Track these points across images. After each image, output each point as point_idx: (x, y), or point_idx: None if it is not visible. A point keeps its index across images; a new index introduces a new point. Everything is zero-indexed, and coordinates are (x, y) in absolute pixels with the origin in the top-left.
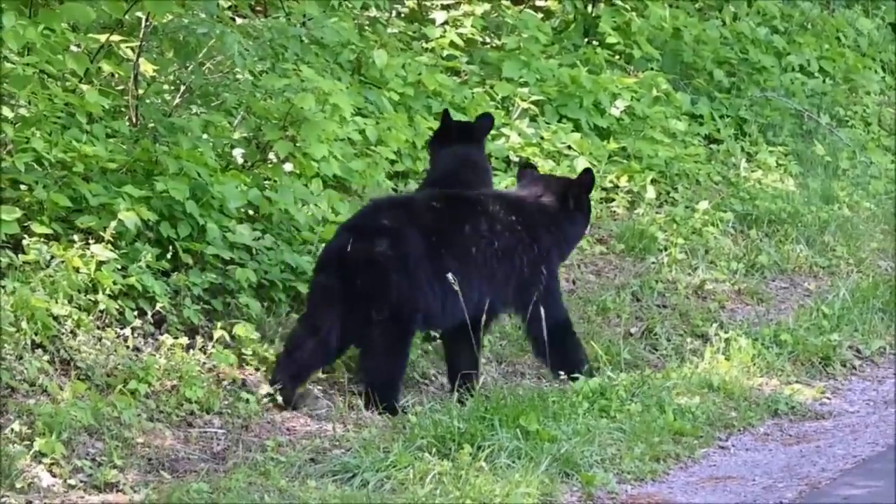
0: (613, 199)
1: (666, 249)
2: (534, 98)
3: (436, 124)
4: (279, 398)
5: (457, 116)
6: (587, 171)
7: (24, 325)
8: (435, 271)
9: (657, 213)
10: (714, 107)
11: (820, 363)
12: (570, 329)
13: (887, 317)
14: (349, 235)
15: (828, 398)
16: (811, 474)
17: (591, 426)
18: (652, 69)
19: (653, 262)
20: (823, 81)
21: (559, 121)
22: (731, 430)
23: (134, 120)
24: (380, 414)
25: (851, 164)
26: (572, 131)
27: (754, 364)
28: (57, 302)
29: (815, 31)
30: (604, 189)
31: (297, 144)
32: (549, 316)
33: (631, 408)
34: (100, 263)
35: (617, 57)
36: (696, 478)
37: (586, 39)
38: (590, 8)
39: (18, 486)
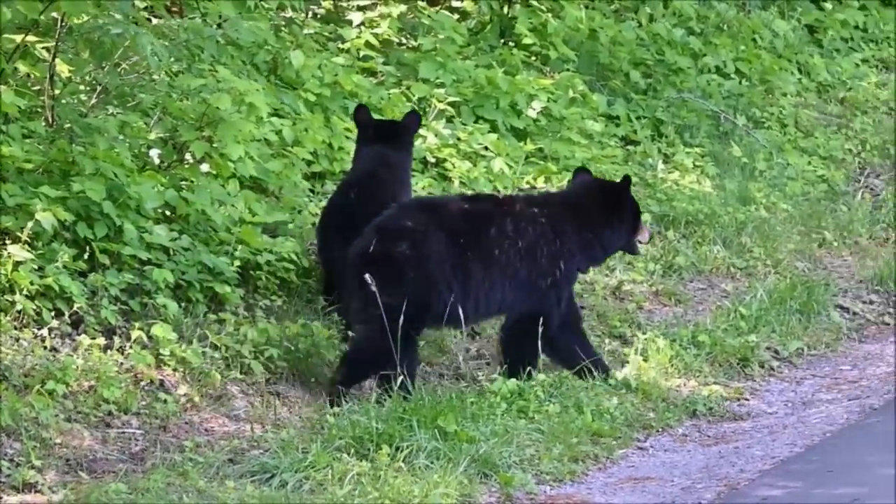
0: None
1: None
2: (450, 99)
3: (351, 124)
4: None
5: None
6: (625, 178)
7: None
8: (457, 274)
9: None
10: (630, 108)
11: (738, 364)
12: (535, 336)
13: (804, 318)
14: (374, 236)
15: (746, 399)
16: (730, 475)
17: (509, 427)
18: (568, 70)
19: None
20: (740, 83)
21: (476, 122)
22: (650, 431)
23: (50, 120)
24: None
25: (768, 165)
26: (489, 132)
27: (672, 365)
28: None
29: (732, 33)
30: (520, 190)
31: (214, 145)
32: (540, 308)
33: (549, 408)
34: (16, 264)
35: (533, 58)
36: (614, 479)
37: (502, 40)
38: (506, 9)
39: None
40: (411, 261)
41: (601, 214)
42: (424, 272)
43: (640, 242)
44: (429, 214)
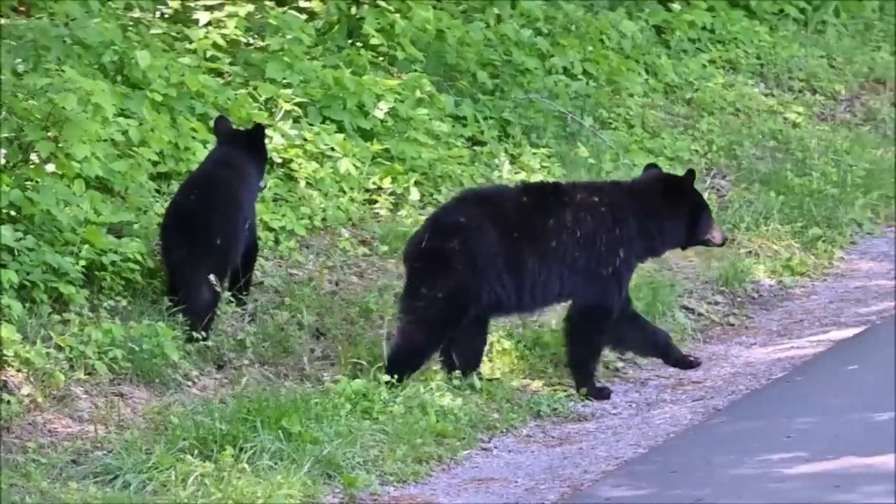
0: (376, 201)
1: None
2: (297, 100)
3: (197, 125)
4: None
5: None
6: (689, 171)
7: None
8: (508, 266)
9: (421, 214)
10: (478, 108)
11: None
12: (606, 318)
13: (650, 318)
14: (428, 231)
15: (590, 401)
16: (573, 476)
17: (353, 428)
18: (416, 71)
19: None
20: (587, 83)
21: (323, 122)
22: (494, 432)
23: None
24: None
25: (615, 165)
26: (336, 133)
27: (517, 366)
28: None
29: (579, 34)
30: (367, 191)
31: (60, 145)
32: (603, 298)
33: (393, 409)
34: None
35: (381, 58)
36: (458, 479)
37: (350, 41)
38: (353, 10)
39: None
40: (460, 256)
41: (661, 205)
42: (472, 267)
43: (713, 242)
44: (483, 208)
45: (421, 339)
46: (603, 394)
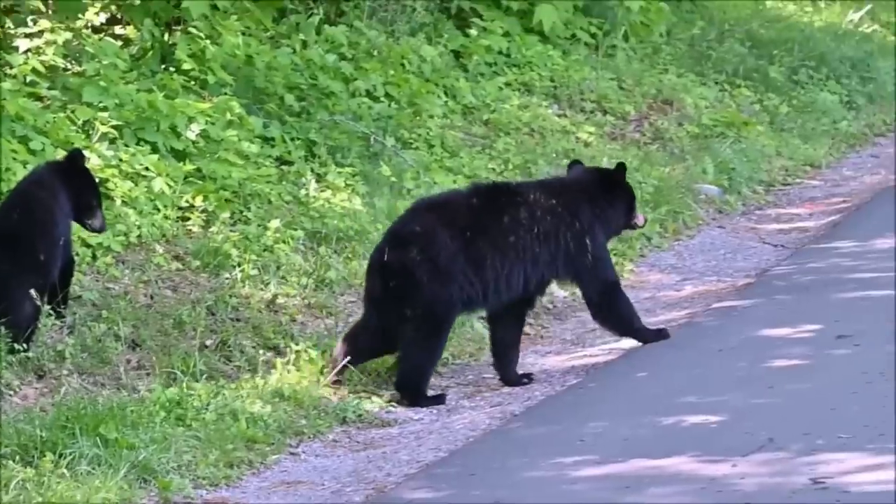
0: (189, 218)
1: (239, 266)
2: (113, 122)
3: (18, 146)
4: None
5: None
6: (620, 164)
7: None
8: (470, 263)
9: (231, 231)
10: (285, 130)
11: (386, 373)
12: (619, 288)
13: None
14: (387, 242)
15: (393, 406)
16: (377, 479)
17: (168, 434)
18: (226, 94)
19: (227, 278)
20: (389, 105)
21: (137, 143)
22: (302, 438)
23: None
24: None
25: (416, 184)
26: (150, 153)
27: (324, 375)
28: None
29: (381, 58)
30: (180, 209)
31: None
32: (598, 279)
33: (206, 416)
34: None
35: (192, 82)
36: (268, 483)
37: (163, 66)
38: (166, 36)
39: None
40: (422, 264)
41: (604, 195)
42: (436, 272)
43: (638, 225)
44: (436, 213)
45: (427, 360)
46: (662, 334)
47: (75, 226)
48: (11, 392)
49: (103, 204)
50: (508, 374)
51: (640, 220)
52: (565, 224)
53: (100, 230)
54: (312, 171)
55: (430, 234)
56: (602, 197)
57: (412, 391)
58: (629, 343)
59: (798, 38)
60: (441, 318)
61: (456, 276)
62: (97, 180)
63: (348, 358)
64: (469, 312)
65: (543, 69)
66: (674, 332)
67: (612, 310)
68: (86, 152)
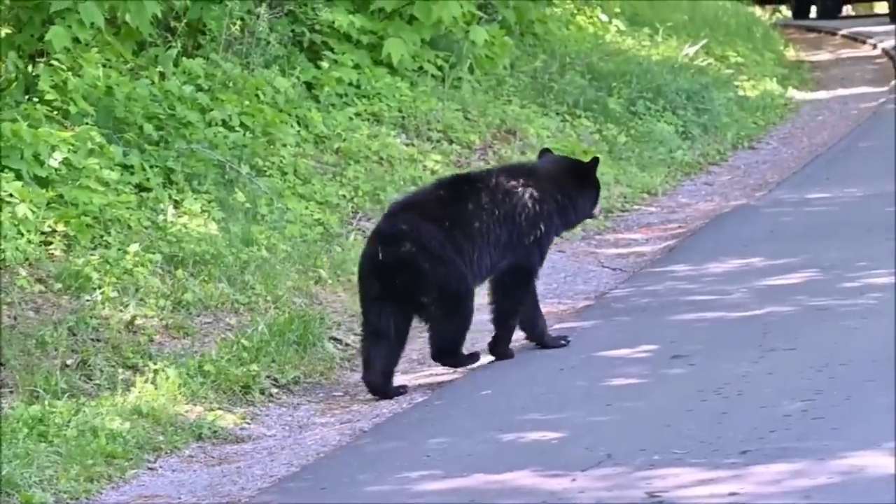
0: (52, 243)
1: (100, 288)
2: None
3: None
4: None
5: None
6: (596, 159)
7: None
8: (455, 249)
9: (92, 254)
10: (144, 158)
11: (240, 391)
12: (533, 281)
13: (301, 349)
14: (378, 244)
15: (248, 423)
16: (232, 493)
17: (30, 450)
18: (87, 124)
19: (88, 300)
20: (244, 135)
21: (2, 171)
22: (159, 453)
23: None
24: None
25: (269, 209)
26: (14, 180)
27: (181, 392)
28: None
29: (237, 89)
30: (43, 233)
31: None
32: (527, 260)
33: (67, 433)
34: None
35: (55, 112)
36: (126, 496)
37: (27, 96)
38: (30, 67)
39: None
40: (419, 254)
41: (574, 185)
42: (433, 258)
43: (595, 215)
44: (413, 210)
45: (459, 326)
46: (509, 354)
47: None
48: None
49: None
50: (531, 334)
51: (597, 210)
52: (522, 205)
53: None
54: (170, 197)
55: (417, 228)
56: (572, 186)
57: (452, 355)
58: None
59: (636, 71)
60: (457, 290)
61: (450, 257)
62: None
63: (404, 388)
64: None
65: (392, 100)
66: (516, 351)
67: (510, 293)
68: None
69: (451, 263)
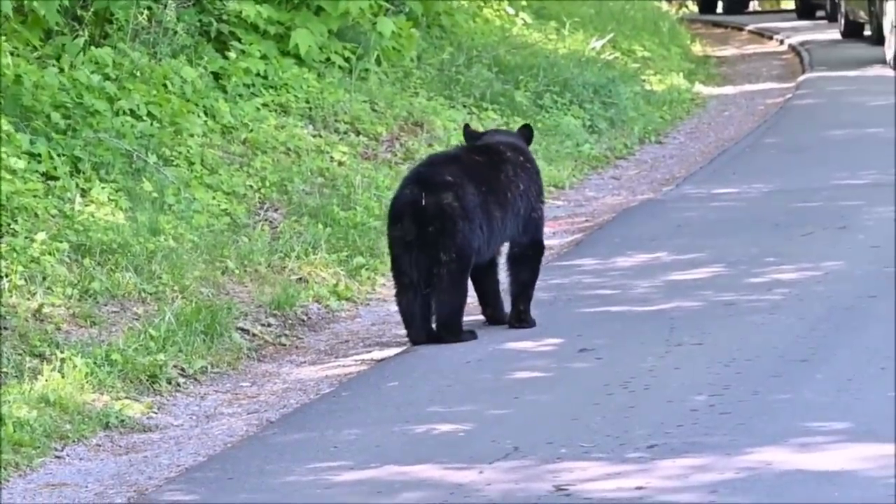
0: None
1: (7, 276)
2: None
3: None
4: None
5: None
6: (527, 125)
7: None
8: (484, 216)
9: None
10: (51, 146)
11: (147, 380)
12: (543, 251)
13: (209, 339)
14: (420, 188)
15: (155, 412)
16: (139, 482)
17: None
18: None
19: None
20: (151, 124)
21: None
22: (66, 442)
23: None
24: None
25: (177, 199)
26: None
27: (88, 381)
28: None
29: (144, 79)
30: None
31: None
32: (538, 234)
33: None
34: None
35: None
36: (34, 484)
37: None
38: None
39: None
40: (459, 211)
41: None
42: (467, 221)
43: None
44: (457, 166)
45: (460, 300)
46: (533, 322)
47: None
48: None
49: None
50: (499, 316)
51: None
52: (533, 181)
53: None
54: (77, 186)
55: (462, 184)
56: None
57: (454, 329)
58: (381, 353)
59: (543, 65)
60: (467, 262)
61: (477, 224)
62: None
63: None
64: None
65: (299, 91)
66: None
67: (531, 267)
68: None
69: (476, 230)
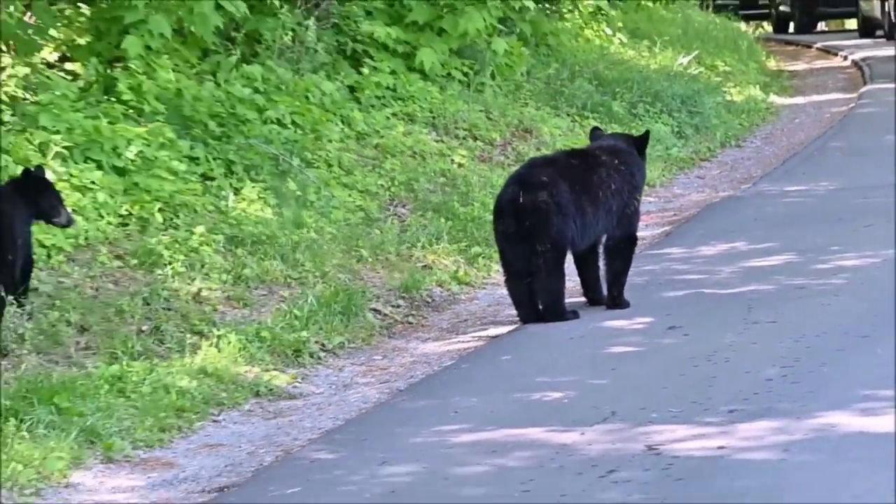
0: (128, 224)
1: (170, 264)
2: (65, 144)
3: None
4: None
5: None
6: (647, 132)
7: None
8: (577, 212)
9: (163, 235)
10: (208, 151)
11: (292, 354)
12: (635, 244)
13: (345, 318)
14: (518, 188)
15: (299, 382)
16: (285, 442)
17: (111, 404)
18: (159, 121)
19: (160, 274)
20: (295, 131)
21: (85, 161)
22: (222, 408)
23: None
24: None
25: (318, 197)
26: (96, 170)
27: (241, 355)
28: None
29: (289, 92)
30: (120, 216)
31: None
32: (631, 228)
33: (143, 389)
34: None
35: (131, 111)
36: (194, 445)
37: (106, 97)
38: (109, 71)
39: None
40: (553, 206)
41: (638, 158)
42: (561, 215)
43: None
44: (552, 168)
45: (559, 285)
46: (626, 303)
47: (36, 229)
48: None
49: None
50: (598, 299)
51: None
52: (626, 181)
53: (67, 224)
54: (231, 185)
55: (555, 183)
56: (641, 158)
57: (557, 310)
58: (496, 331)
59: (636, 78)
60: (563, 251)
61: (570, 218)
62: (54, 185)
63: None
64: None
65: (424, 102)
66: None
67: (623, 257)
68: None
69: (569, 223)
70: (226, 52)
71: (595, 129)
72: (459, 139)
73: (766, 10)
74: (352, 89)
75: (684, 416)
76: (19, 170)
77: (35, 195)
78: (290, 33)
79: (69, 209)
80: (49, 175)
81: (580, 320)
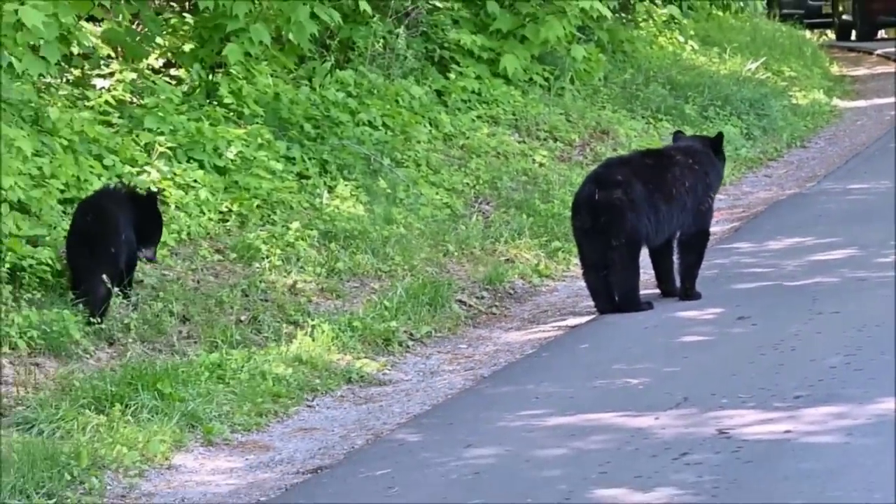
0: (228, 220)
1: (267, 258)
2: (169, 144)
3: (94, 163)
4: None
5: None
6: (721, 133)
7: None
8: (651, 209)
9: (261, 230)
10: (304, 151)
11: (382, 343)
12: (708, 238)
13: (432, 309)
14: (595, 186)
15: (388, 370)
16: (376, 426)
17: (211, 390)
18: (257, 123)
19: (257, 268)
20: (385, 133)
21: (188, 161)
22: (316, 394)
23: None
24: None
25: (407, 194)
26: (198, 169)
27: (333, 344)
28: None
29: (380, 95)
30: (220, 213)
31: None
32: (704, 224)
33: (241, 376)
34: None
35: (231, 114)
36: (289, 429)
37: (208, 100)
38: (211, 76)
39: None
40: (627, 203)
41: (714, 159)
42: (635, 212)
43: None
44: (627, 167)
45: (633, 278)
46: (697, 295)
47: None
48: (88, 356)
49: (162, 208)
50: (672, 290)
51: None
52: (699, 180)
53: (150, 260)
54: (325, 183)
55: (630, 181)
56: (717, 158)
57: (632, 302)
58: (573, 321)
59: (707, 83)
60: (637, 246)
61: (644, 215)
62: (163, 218)
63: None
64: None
65: (507, 105)
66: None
67: (696, 251)
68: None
69: (643, 219)
70: (321, 58)
71: (677, 132)
72: (540, 140)
73: (830, 19)
74: (439, 93)
75: (753, 401)
76: (126, 169)
77: (144, 214)
78: (382, 41)
79: (173, 206)
80: (155, 174)
81: (654, 311)
